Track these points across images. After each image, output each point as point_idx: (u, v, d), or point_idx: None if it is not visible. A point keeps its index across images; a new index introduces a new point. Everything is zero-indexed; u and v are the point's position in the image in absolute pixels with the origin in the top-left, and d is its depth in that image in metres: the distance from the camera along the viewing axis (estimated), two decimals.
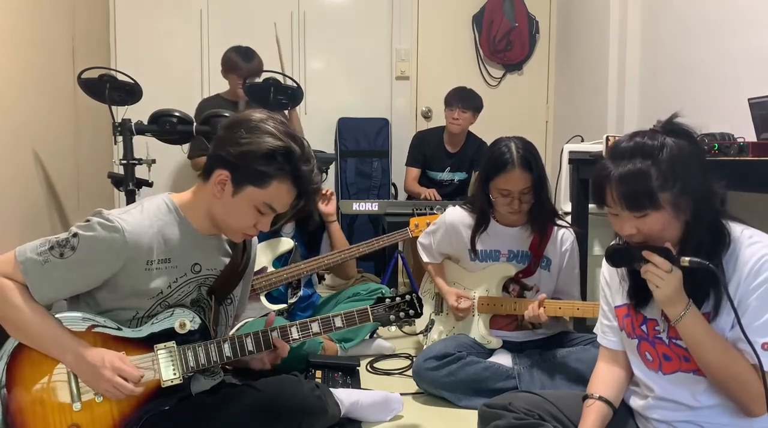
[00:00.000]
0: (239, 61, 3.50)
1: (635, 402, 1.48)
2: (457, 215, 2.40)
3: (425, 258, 2.54)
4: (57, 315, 1.47)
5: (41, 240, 1.46)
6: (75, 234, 1.45)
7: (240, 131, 1.50)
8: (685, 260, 1.26)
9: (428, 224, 2.68)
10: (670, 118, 1.33)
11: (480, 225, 2.33)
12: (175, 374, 1.51)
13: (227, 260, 1.66)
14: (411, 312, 1.77)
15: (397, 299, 1.77)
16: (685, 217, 1.30)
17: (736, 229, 1.32)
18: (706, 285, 1.30)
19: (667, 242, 1.31)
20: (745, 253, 1.28)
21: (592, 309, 2.15)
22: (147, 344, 1.51)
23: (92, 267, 1.45)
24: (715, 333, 1.29)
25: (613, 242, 1.44)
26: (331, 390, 1.88)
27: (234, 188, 1.51)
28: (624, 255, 1.37)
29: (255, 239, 1.79)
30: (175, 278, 1.56)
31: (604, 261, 1.55)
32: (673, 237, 1.32)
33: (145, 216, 1.51)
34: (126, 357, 1.46)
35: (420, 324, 2.60)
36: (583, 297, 2.49)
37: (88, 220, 1.47)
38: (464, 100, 3.74)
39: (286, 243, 2.66)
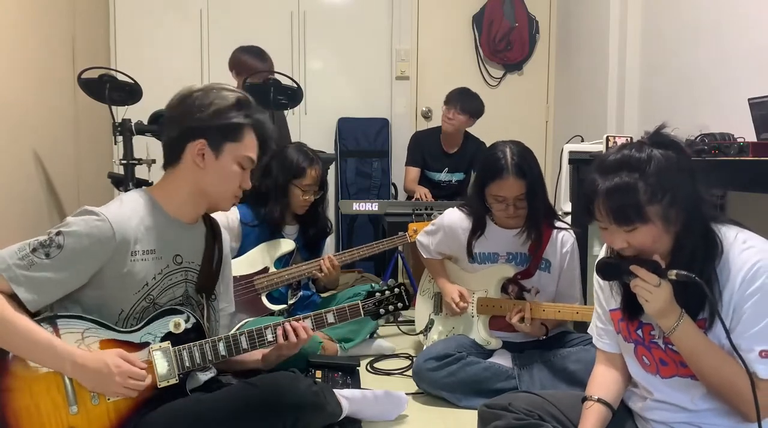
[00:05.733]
0: (256, 62, 3.42)
1: (634, 404, 1.48)
2: (455, 217, 2.40)
3: (425, 256, 2.54)
4: (58, 320, 1.45)
5: (19, 245, 1.42)
6: (59, 233, 1.42)
7: (197, 97, 1.56)
8: (672, 273, 1.26)
9: None
10: (657, 129, 1.31)
11: (476, 231, 2.33)
12: (171, 374, 1.51)
13: (203, 252, 1.67)
14: (399, 304, 1.86)
15: (386, 292, 1.85)
16: (675, 229, 1.29)
17: (730, 234, 1.30)
18: (702, 295, 1.29)
19: (656, 254, 1.30)
20: (738, 259, 1.26)
21: (592, 313, 2.14)
22: (141, 344, 1.51)
23: (82, 263, 1.43)
24: (709, 341, 1.29)
25: (603, 254, 1.43)
26: (337, 390, 1.87)
27: (214, 152, 1.55)
28: (613, 270, 1.37)
29: (225, 232, 1.80)
30: (159, 269, 1.56)
31: (596, 262, 1.55)
32: (664, 248, 1.31)
33: (125, 208, 1.52)
34: (125, 353, 1.45)
35: (419, 323, 2.60)
36: (584, 297, 2.49)
37: (66, 220, 1.46)
38: (464, 101, 3.70)
39: (288, 245, 2.66)
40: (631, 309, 1.41)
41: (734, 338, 1.25)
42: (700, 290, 1.26)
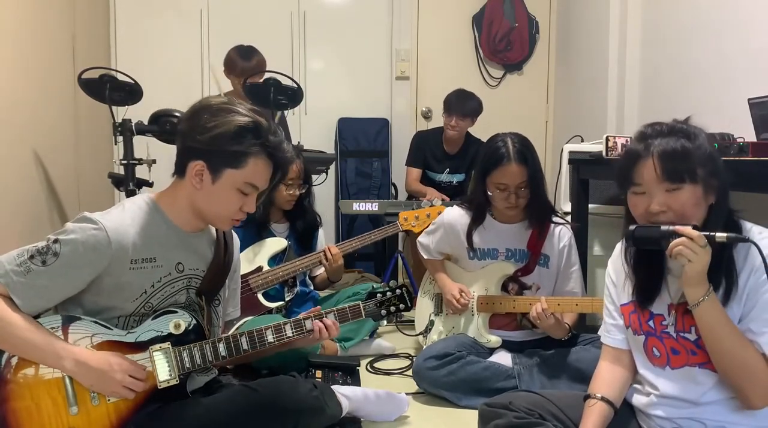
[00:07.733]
0: (237, 60, 3.43)
1: (638, 400, 1.48)
2: (455, 214, 2.41)
3: (425, 256, 2.55)
4: (68, 322, 1.45)
5: (18, 251, 1.43)
6: (56, 240, 1.42)
7: (204, 117, 1.49)
8: (723, 236, 1.26)
9: (416, 217, 2.79)
10: (687, 119, 1.39)
11: (476, 220, 2.34)
12: (171, 375, 1.50)
13: (210, 260, 1.66)
14: (401, 306, 1.85)
15: (388, 293, 1.83)
16: (709, 201, 1.34)
17: (747, 225, 1.36)
18: (718, 275, 1.31)
19: (693, 222, 1.32)
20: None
21: (590, 304, 2.15)
22: (141, 345, 1.50)
23: (78, 270, 1.43)
24: (730, 320, 1.30)
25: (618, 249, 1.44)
26: (337, 387, 1.87)
27: (212, 176, 1.50)
28: (651, 233, 1.32)
29: (236, 238, 1.79)
30: (159, 277, 1.54)
31: (610, 260, 1.56)
32: (698, 220, 1.34)
33: (126, 216, 1.50)
34: (125, 356, 1.46)
35: (419, 324, 2.60)
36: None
37: (65, 227, 1.45)
38: (464, 106, 3.69)
39: (280, 243, 2.67)
40: (644, 296, 1.43)
41: (747, 321, 1.30)
42: (718, 270, 1.30)
